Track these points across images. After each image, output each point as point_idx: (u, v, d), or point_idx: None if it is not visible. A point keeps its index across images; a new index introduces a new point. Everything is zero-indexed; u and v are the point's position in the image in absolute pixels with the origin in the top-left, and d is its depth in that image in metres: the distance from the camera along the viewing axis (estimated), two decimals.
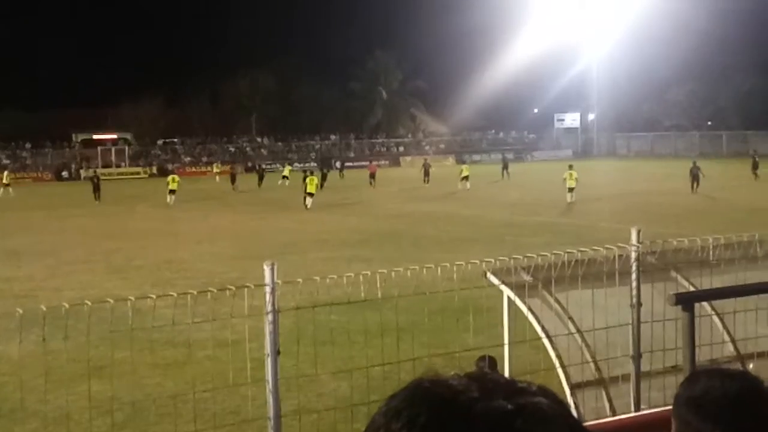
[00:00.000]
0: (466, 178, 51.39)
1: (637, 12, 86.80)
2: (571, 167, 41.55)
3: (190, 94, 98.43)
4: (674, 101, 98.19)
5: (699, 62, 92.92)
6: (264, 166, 67.80)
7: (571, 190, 40.15)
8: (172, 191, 44.58)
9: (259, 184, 57.84)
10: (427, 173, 57.03)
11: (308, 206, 39.60)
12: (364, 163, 71.11)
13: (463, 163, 60.65)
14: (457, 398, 1.14)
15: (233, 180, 56.62)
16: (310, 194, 40.13)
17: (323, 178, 53.97)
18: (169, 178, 46.90)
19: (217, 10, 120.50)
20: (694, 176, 45.32)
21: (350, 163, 79.33)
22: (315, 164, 67.69)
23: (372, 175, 56.74)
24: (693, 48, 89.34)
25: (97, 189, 48.42)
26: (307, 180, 40.96)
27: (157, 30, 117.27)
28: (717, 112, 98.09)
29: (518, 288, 7.25)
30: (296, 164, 71.37)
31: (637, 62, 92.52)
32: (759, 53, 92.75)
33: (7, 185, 55.26)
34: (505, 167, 61.17)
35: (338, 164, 71.89)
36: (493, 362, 7.99)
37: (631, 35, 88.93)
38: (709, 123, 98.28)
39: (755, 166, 50.43)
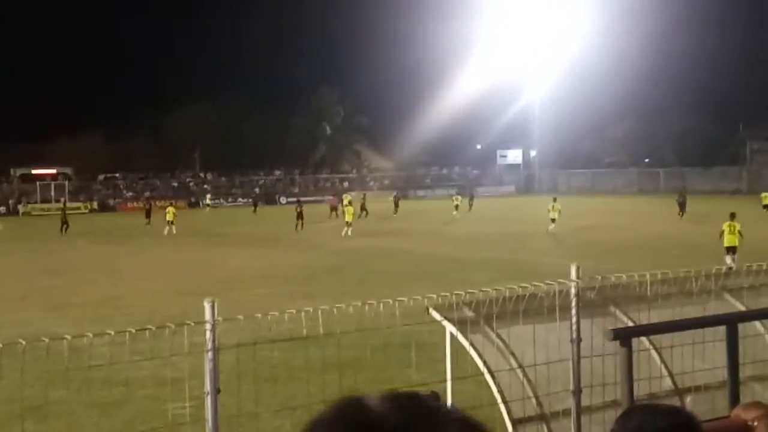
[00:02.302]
0: (456, 207, 56.91)
1: (577, 51, 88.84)
2: (555, 200, 44.28)
3: (133, 128, 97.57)
4: (613, 138, 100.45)
5: (636, 100, 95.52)
6: (257, 199, 74.87)
7: (553, 220, 42.36)
8: (170, 222, 46.91)
9: (255, 211, 64.54)
10: (396, 204, 62.00)
11: (349, 234, 41.76)
12: (309, 198, 72.21)
13: (458, 194, 64.49)
14: (379, 427, 1.13)
15: (148, 215, 56.05)
16: (348, 223, 42.97)
17: (362, 208, 56.40)
18: (167, 210, 49.41)
19: (159, 45, 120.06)
20: (681, 204, 50.65)
21: (293, 199, 79.55)
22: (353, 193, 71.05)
23: (333, 209, 58.44)
24: (630, 87, 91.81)
25: (64, 223, 48.43)
26: (345, 209, 44.49)
27: (98, 63, 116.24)
28: (654, 150, 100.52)
29: (460, 324, 7.27)
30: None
31: (577, 100, 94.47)
32: (693, 93, 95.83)
33: None
34: (471, 199, 65.18)
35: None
36: (435, 398, 7.98)
37: (571, 74, 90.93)
38: (647, 160, 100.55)
39: (678, 204, 51.42)
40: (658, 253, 30.51)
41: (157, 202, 69.04)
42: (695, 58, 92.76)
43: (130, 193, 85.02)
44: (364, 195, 64.02)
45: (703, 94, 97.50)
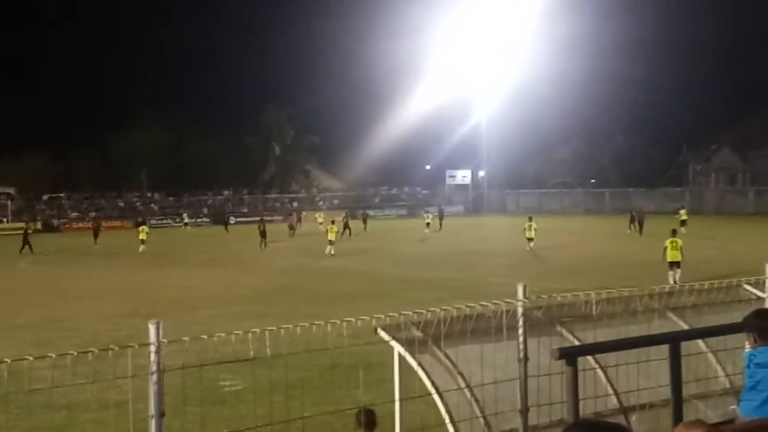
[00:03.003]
0: (428, 224, 59.88)
1: (523, 74, 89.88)
2: (530, 219, 45.08)
3: (79, 147, 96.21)
4: (560, 159, 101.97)
5: (582, 123, 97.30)
6: (229, 216, 71.06)
7: (530, 239, 42.98)
8: (143, 241, 48.61)
9: (226, 229, 67.00)
10: (365, 221, 65.49)
11: (332, 253, 41.80)
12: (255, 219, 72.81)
13: (427, 212, 67.44)
14: None
15: (95, 235, 55.86)
16: (331, 242, 42.70)
17: (345, 226, 56.08)
18: (140, 228, 51.86)
19: (107, 63, 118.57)
20: (639, 221, 53.39)
21: (242, 218, 79.41)
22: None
23: (292, 227, 60.60)
24: (576, 109, 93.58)
25: (26, 242, 48.68)
26: (329, 228, 44.21)
27: (42, 82, 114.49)
28: (600, 171, 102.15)
29: (409, 344, 7.26)
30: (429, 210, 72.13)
31: (524, 122, 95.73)
32: (636, 116, 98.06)
33: None
34: (441, 218, 66.74)
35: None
36: (372, 416, 7.95)
37: (518, 96, 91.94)
38: (593, 181, 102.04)
39: (637, 222, 53.76)
40: (604, 272, 30.88)
41: (104, 222, 68.34)
42: (638, 82, 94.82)
43: (75, 213, 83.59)
44: (346, 213, 65.09)
45: (647, 117, 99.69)
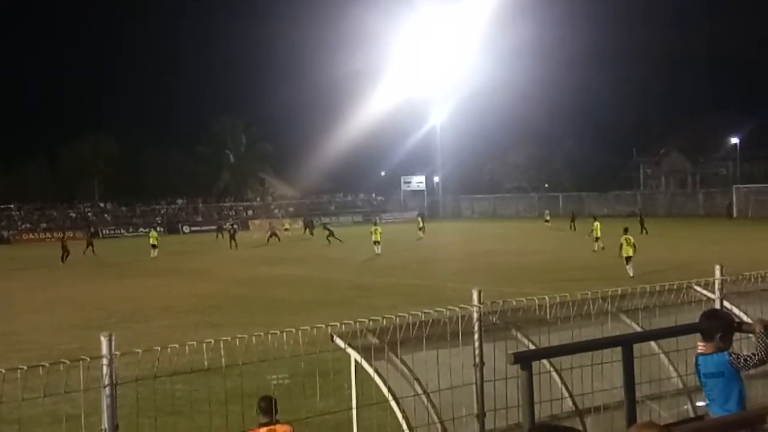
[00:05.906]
0: (420, 228, 60.04)
1: (477, 79, 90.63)
2: (595, 219, 46.50)
3: (28, 157, 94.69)
4: (514, 164, 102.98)
5: (535, 128, 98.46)
6: (234, 226, 67.42)
7: (597, 239, 42.78)
8: (153, 246, 50.35)
9: (217, 237, 66.28)
10: (325, 235, 63.99)
11: (378, 253, 45.15)
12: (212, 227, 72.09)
13: (419, 217, 67.10)
14: None
15: (90, 244, 54.46)
16: (376, 242, 46.21)
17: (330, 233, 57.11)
18: (150, 234, 54.19)
19: (55, 71, 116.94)
20: (641, 222, 55.42)
21: (198, 228, 78.70)
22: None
23: (273, 234, 60.90)
24: (529, 115, 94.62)
25: (66, 250, 47.66)
26: (372, 230, 47.87)
27: None
28: (553, 175, 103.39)
29: (365, 351, 7.26)
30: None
31: (479, 127, 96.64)
32: (586, 121, 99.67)
33: None
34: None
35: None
36: (270, 402, 7.90)
37: (472, 103, 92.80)
38: (546, 185, 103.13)
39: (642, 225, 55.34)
40: (558, 275, 31.16)
41: (56, 234, 67.24)
42: (589, 88, 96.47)
43: (26, 225, 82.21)
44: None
45: (598, 122, 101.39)
